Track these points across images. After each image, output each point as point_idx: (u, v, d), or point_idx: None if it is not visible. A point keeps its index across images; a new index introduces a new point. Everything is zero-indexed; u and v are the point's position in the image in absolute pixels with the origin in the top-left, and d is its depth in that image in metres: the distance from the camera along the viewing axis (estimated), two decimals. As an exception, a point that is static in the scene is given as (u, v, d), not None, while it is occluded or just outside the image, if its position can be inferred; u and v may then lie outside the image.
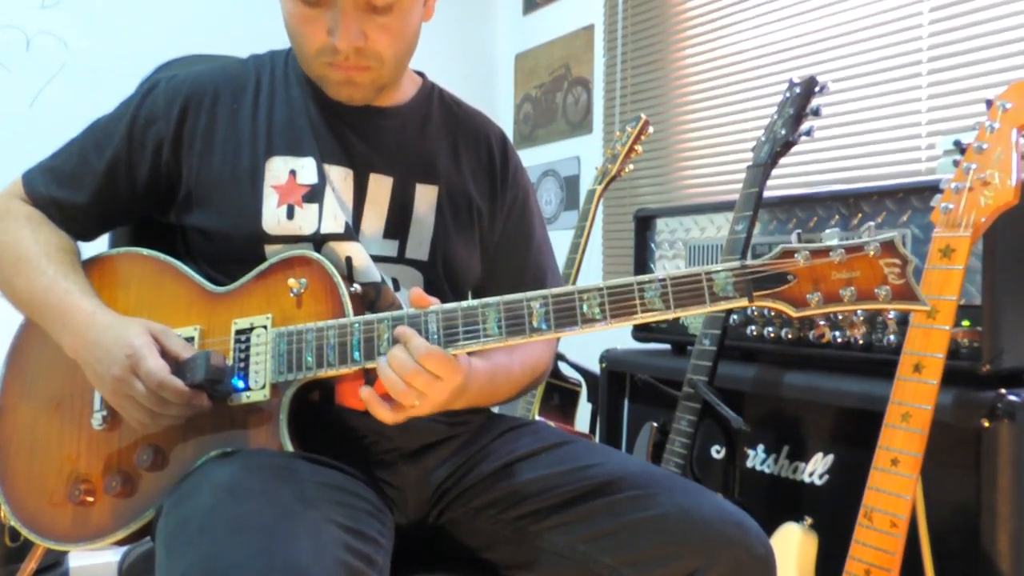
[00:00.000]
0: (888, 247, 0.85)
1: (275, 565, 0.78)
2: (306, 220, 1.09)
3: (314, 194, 1.10)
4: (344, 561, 0.83)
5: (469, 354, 0.97)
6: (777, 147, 1.64)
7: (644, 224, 2.05)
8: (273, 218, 1.09)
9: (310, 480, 0.93)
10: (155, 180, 1.13)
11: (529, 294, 0.93)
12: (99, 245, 1.20)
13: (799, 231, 1.62)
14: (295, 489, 0.90)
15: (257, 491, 0.88)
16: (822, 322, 1.56)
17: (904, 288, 0.85)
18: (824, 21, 2.22)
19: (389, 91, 1.17)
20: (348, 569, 0.83)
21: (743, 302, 0.88)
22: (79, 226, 1.15)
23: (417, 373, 0.92)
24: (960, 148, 1.27)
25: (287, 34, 1.11)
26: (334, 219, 1.10)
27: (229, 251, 1.10)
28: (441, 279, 1.18)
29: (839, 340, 1.53)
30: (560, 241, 2.39)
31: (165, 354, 0.99)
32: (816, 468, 1.55)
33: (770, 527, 1.44)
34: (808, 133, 1.63)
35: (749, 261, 0.88)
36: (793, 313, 0.87)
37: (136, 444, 1.04)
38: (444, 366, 0.92)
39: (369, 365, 0.96)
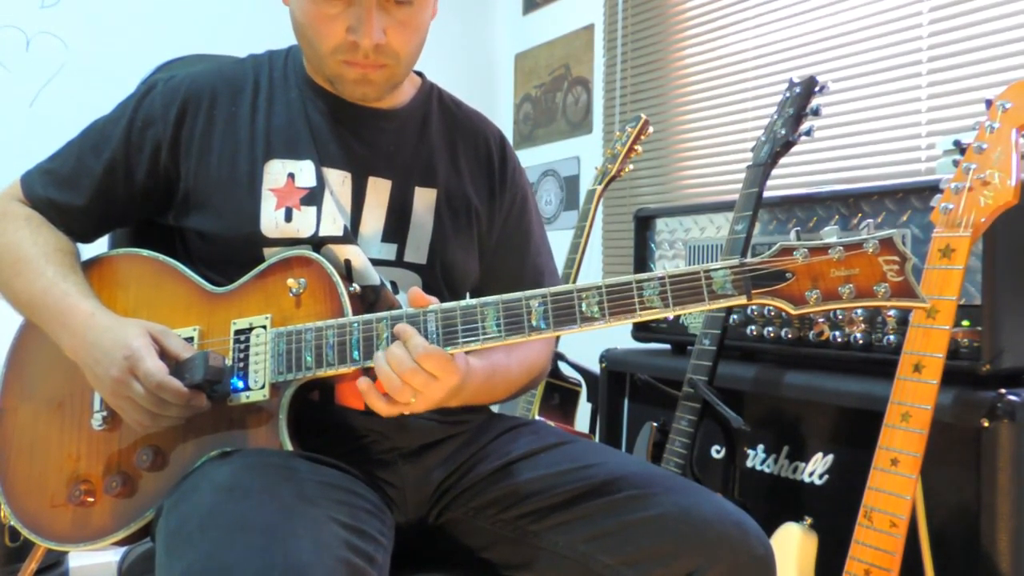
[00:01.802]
0: (887, 244, 0.85)
1: (276, 563, 0.78)
2: (304, 223, 1.09)
3: (312, 197, 1.10)
4: (345, 559, 0.83)
5: (467, 353, 0.97)
6: (777, 147, 1.64)
7: (644, 224, 2.05)
8: (271, 221, 1.09)
9: (310, 479, 0.93)
10: (153, 182, 1.13)
11: (528, 293, 0.93)
12: (99, 246, 1.20)
13: (797, 228, 1.62)
14: (295, 488, 0.90)
15: (257, 490, 0.88)
16: (821, 319, 1.56)
17: (903, 285, 0.85)
18: (824, 21, 2.22)
19: (392, 92, 1.17)
20: (349, 567, 0.83)
21: (741, 300, 0.88)
22: (77, 228, 1.15)
23: (415, 372, 0.92)
24: (960, 148, 1.27)
25: (297, 33, 1.10)
26: (332, 222, 1.10)
27: (227, 253, 1.10)
28: (439, 282, 1.18)
29: (839, 340, 1.53)
30: (560, 241, 2.39)
31: (164, 355, 0.99)
32: (816, 468, 1.55)
33: (770, 527, 1.43)
34: (808, 133, 1.63)
35: (748, 259, 0.88)
36: (792, 311, 0.87)
37: (136, 444, 1.04)
38: (442, 366, 0.92)
39: (368, 364, 0.96)
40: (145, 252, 1.14)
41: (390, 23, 1.05)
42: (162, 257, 1.13)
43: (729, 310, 1.65)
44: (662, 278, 0.89)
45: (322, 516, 0.86)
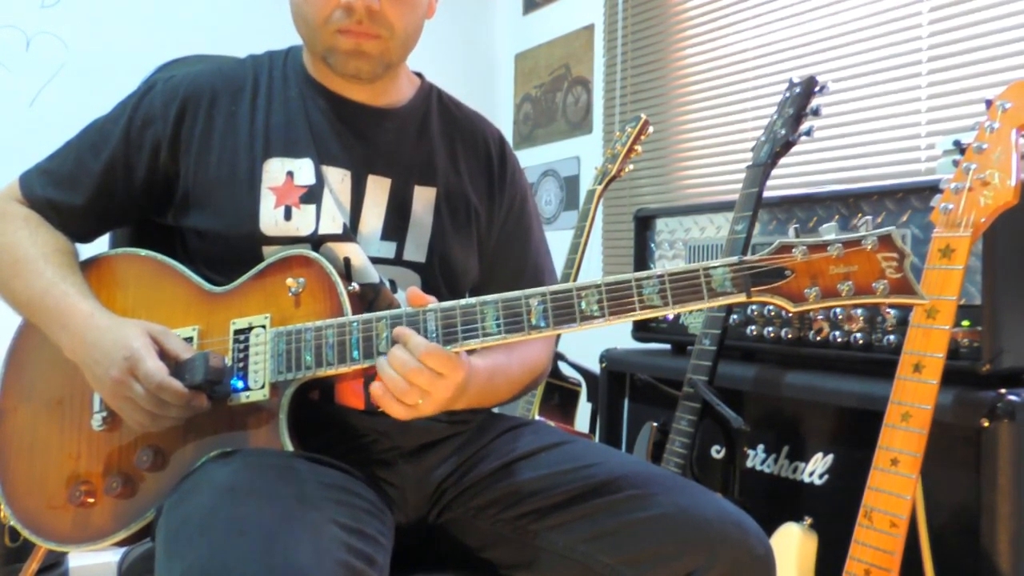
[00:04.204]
0: (885, 241, 0.85)
1: (275, 566, 0.78)
2: (304, 221, 1.09)
3: (312, 195, 1.10)
4: (344, 561, 0.83)
5: (468, 353, 0.97)
6: (777, 147, 1.64)
7: (644, 224, 2.05)
8: (271, 219, 1.09)
9: (310, 479, 0.93)
10: (152, 181, 1.13)
11: (527, 291, 0.93)
12: (99, 246, 1.20)
13: (797, 227, 1.62)
14: (295, 489, 0.90)
15: (257, 491, 0.88)
16: (820, 317, 1.56)
17: (902, 282, 0.85)
18: (824, 21, 2.22)
19: (389, 90, 1.17)
20: (349, 569, 0.83)
21: (741, 297, 0.88)
22: (76, 228, 1.15)
23: (419, 371, 0.91)
24: (960, 148, 1.27)
25: (293, 14, 1.10)
26: (332, 220, 1.10)
27: (227, 252, 1.10)
28: (439, 281, 1.18)
29: (839, 340, 1.53)
30: (560, 241, 2.39)
31: (164, 355, 0.99)
32: (816, 468, 1.55)
33: (770, 527, 1.43)
34: (808, 133, 1.63)
35: (747, 257, 0.88)
36: (791, 308, 0.87)
37: (136, 445, 1.04)
38: (446, 363, 0.92)
39: (368, 364, 0.96)
40: (143, 252, 1.14)
41: None
42: (160, 257, 1.13)
43: (729, 310, 1.65)
44: (661, 276, 0.89)
45: (322, 518, 0.86)
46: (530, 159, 3.26)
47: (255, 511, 0.85)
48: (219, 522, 0.84)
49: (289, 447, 0.98)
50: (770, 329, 1.65)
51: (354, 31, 1.06)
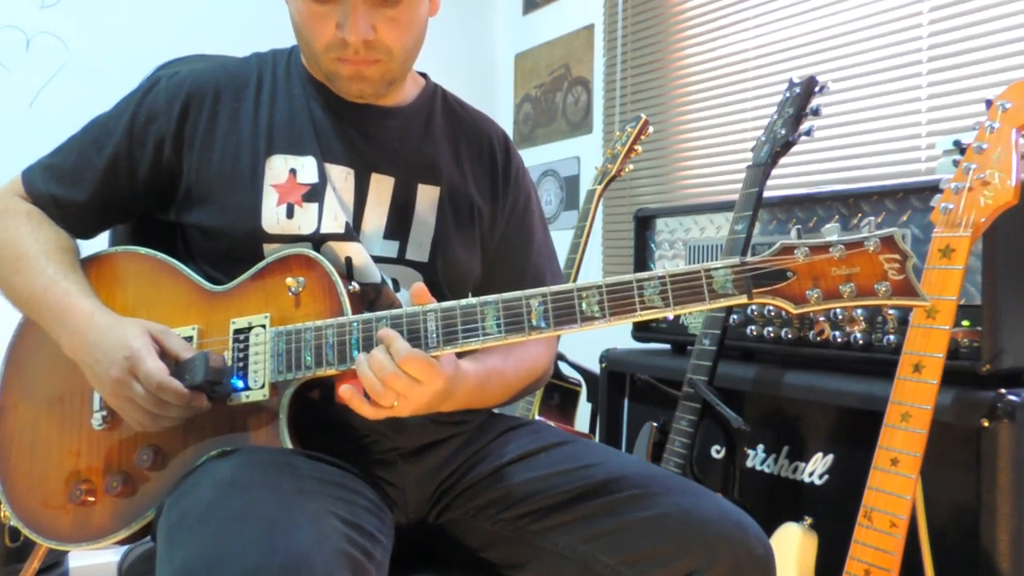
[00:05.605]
0: (888, 243, 0.85)
1: (276, 552, 0.78)
2: (306, 219, 1.09)
3: (314, 193, 1.10)
4: (345, 551, 0.83)
5: (461, 356, 0.97)
6: (777, 147, 1.64)
7: (644, 224, 2.05)
8: (272, 217, 1.09)
9: (309, 475, 0.93)
10: (155, 178, 1.13)
11: (528, 292, 0.93)
12: (99, 243, 1.20)
13: (798, 228, 1.62)
14: (295, 483, 0.90)
15: (258, 483, 0.88)
16: (821, 319, 1.56)
17: (904, 284, 0.85)
18: (824, 21, 2.22)
19: (393, 90, 1.17)
20: (348, 559, 0.83)
21: (742, 299, 0.88)
22: (78, 224, 1.15)
23: (396, 376, 0.91)
24: (960, 148, 1.27)
25: (294, 32, 1.11)
26: (334, 219, 1.10)
27: (228, 250, 1.10)
28: (441, 280, 1.17)
29: (839, 340, 1.53)
30: (560, 241, 2.38)
31: (165, 354, 0.99)
32: (816, 468, 1.55)
33: (770, 527, 1.43)
34: (808, 133, 1.63)
35: (748, 258, 0.88)
36: (793, 310, 0.87)
37: (136, 444, 1.04)
38: (425, 370, 0.92)
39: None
40: (143, 250, 1.13)
41: (380, 19, 1.05)
42: (160, 255, 1.13)
43: (729, 310, 1.65)
44: (663, 277, 0.89)
45: (322, 509, 0.87)
46: (530, 159, 3.26)
47: (255, 502, 0.85)
48: (219, 512, 0.84)
49: (289, 446, 0.98)
50: (770, 329, 1.65)
51: (352, 60, 1.07)
